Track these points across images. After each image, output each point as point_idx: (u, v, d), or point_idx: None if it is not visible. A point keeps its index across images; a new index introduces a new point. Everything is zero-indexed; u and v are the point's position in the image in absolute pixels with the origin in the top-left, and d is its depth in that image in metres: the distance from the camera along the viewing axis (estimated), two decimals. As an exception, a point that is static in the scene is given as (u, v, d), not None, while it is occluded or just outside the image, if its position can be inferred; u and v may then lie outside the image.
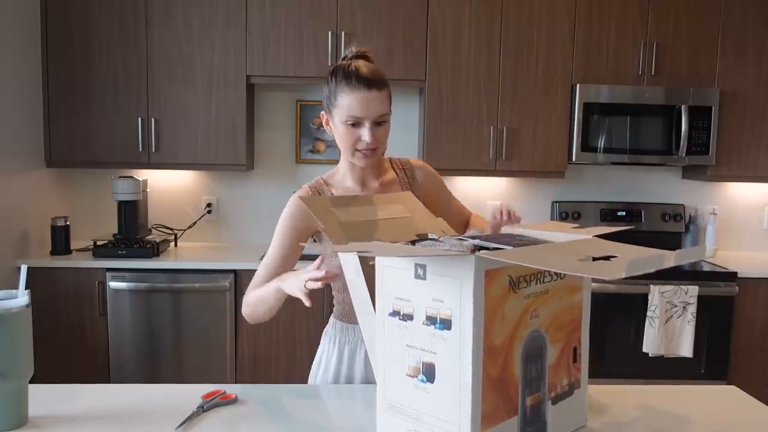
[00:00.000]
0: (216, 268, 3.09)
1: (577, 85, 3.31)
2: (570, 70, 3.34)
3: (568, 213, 3.62)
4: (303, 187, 1.55)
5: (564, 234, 1.23)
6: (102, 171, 3.54)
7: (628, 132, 3.32)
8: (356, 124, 1.43)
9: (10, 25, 3.01)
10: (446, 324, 1.01)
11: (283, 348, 3.13)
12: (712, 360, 3.18)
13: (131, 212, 3.26)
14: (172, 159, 3.30)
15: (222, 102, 3.28)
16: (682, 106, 3.29)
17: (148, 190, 3.47)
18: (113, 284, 3.05)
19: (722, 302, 3.15)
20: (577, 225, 1.30)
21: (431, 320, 1.03)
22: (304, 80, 3.32)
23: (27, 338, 1.19)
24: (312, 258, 1.59)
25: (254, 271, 3.25)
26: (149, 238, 3.31)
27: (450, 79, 3.32)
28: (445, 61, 3.31)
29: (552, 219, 3.68)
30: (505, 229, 1.36)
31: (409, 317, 1.07)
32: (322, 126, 1.53)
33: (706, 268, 3.25)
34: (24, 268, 1.20)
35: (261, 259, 3.21)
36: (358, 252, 1.01)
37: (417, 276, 1.04)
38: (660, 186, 3.75)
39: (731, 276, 3.15)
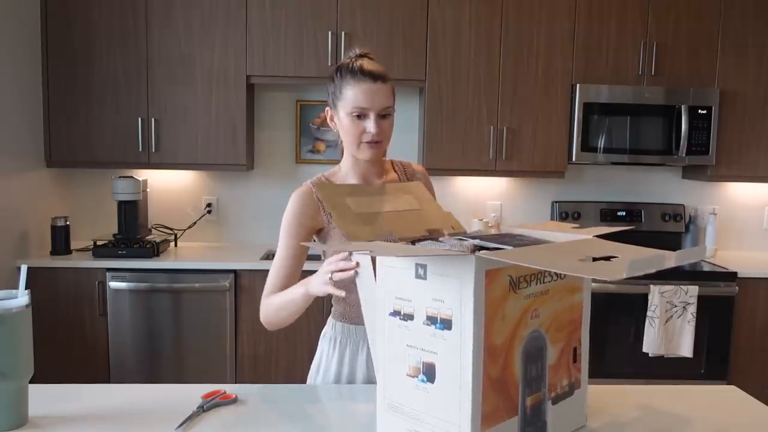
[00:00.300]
0: (216, 268, 3.09)
1: (577, 85, 3.31)
2: (570, 70, 3.34)
3: (568, 213, 3.62)
4: (305, 184, 1.54)
5: (564, 234, 1.23)
6: (102, 171, 3.54)
7: (628, 132, 3.32)
8: (361, 115, 1.45)
9: (10, 25, 3.01)
10: (447, 324, 1.01)
11: (283, 348, 3.13)
12: (712, 360, 3.18)
13: (131, 212, 3.26)
14: (172, 159, 3.30)
15: (222, 102, 3.28)
16: (682, 106, 3.30)
17: (148, 190, 3.47)
18: (113, 284, 3.05)
19: (722, 302, 3.15)
20: (577, 225, 1.30)
21: (432, 320, 1.03)
22: (304, 80, 3.32)
23: (27, 338, 1.18)
24: (314, 258, 1.60)
25: (254, 271, 3.27)
26: (149, 238, 3.30)
27: (450, 79, 3.32)
28: (445, 61, 3.31)
29: (552, 219, 3.68)
30: (506, 229, 1.36)
31: (409, 317, 1.07)
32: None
33: (706, 268, 3.25)
34: (24, 268, 1.20)
35: (261, 258, 3.23)
36: (358, 252, 1.01)
37: (418, 276, 1.04)
38: (660, 186, 3.75)
39: (731, 276, 3.15)
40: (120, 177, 3.26)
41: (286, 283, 1.48)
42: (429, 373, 1.04)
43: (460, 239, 1.16)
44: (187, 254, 3.31)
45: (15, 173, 3.07)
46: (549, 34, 3.32)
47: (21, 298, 1.17)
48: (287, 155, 3.65)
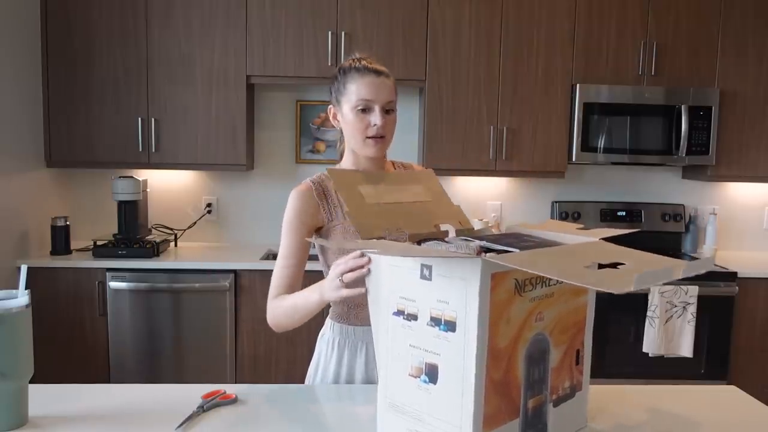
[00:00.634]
0: (216, 268, 3.09)
1: (577, 85, 3.31)
2: (570, 70, 3.34)
3: (568, 213, 3.62)
4: (304, 182, 1.53)
5: (570, 236, 1.22)
6: (102, 171, 3.54)
7: (628, 132, 3.32)
8: (366, 109, 1.45)
9: (10, 25, 3.00)
10: (451, 326, 1.01)
11: (283, 348, 3.13)
12: (712, 360, 3.18)
13: (131, 212, 3.25)
14: (172, 159, 3.30)
15: (222, 102, 3.28)
16: (682, 106, 3.30)
17: (148, 190, 3.47)
18: (113, 284, 3.05)
19: (722, 302, 3.15)
20: (581, 226, 1.29)
21: (436, 321, 1.03)
22: (304, 80, 3.32)
23: (27, 338, 1.18)
24: (314, 258, 1.60)
25: (254, 271, 3.27)
26: (149, 238, 3.30)
27: (450, 79, 3.32)
28: (445, 61, 3.31)
29: (552, 219, 3.67)
30: (511, 229, 1.35)
31: (413, 317, 1.06)
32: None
33: (706, 268, 3.24)
34: (24, 268, 1.20)
35: (261, 258, 3.23)
36: (364, 250, 1.01)
37: (423, 276, 1.04)
38: (660, 186, 3.75)
39: (731, 276, 3.15)
40: (120, 177, 3.26)
41: (291, 283, 1.48)
42: (431, 373, 1.04)
43: (466, 240, 1.16)
44: (187, 254, 3.31)
45: (15, 173, 3.07)
46: (549, 34, 3.32)
47: (21, 298, 1.16)
48: (287, 155, 3.65)
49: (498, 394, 1.02)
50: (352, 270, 1.17)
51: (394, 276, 1.09)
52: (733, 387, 1.50)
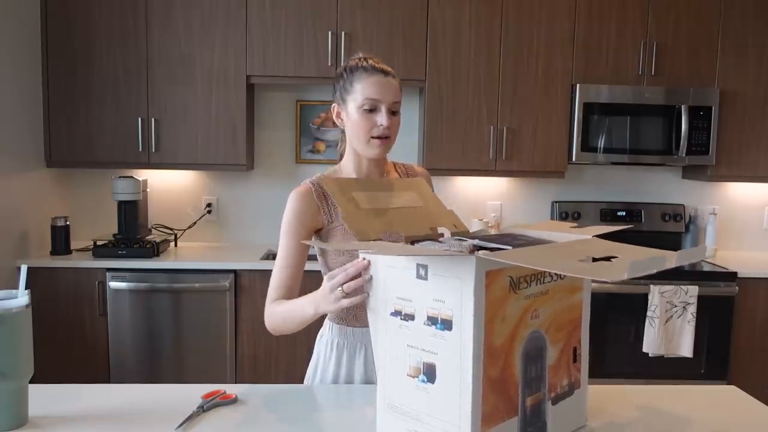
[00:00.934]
0: (216, 268, 3.09)
1: (577, 85, 3.31)
2: (570, 70, 3.34)
3: (568, 213, 3.62)
4: (304, 183, 1.51)
5: (563, 234, 1.23)
6: (102, 171, 3.54)
7: (628, 132, 3.32)
8: (372, 109, 1.45)
9: (10, 25, 3.01)
10: (447, 324, 1.01)
11: (283, 348, 3.13)
12: (712, 360, 3.18)
13: (131, 212, 3.25)
14: (172, 159, 3.30)
15: (222, 102, 3.28)
16: (682, 106, 3.30)
17: (148, 190, 3.47)
18: (113, 284, 3.05)
19: (722, 302, 3.15)
20: (575, 225, 1.30)
21: (432, 321, 1.03)
22: (304, 80, 3.32)
23: (27, 338, 1.19)
24: (314, 258, 1.59)
25: (254, 271, 3.27)
26: (149, 238, 3.30)
27: (450, 79, 3.32)
28: (445, 61, 3.31)
29: (552, 219, 3.67)
30: (505, 229, 1.36)
31: (410, 317, 1.07)
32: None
33: (706, 268, 3.25)
34: (24, 268, 1.20)
35: (261, 258, 3.23)
36: (360, 251, 1.01)
37: (419, 276, 1.04)
38: (660, 186, 3.75)
39: (731, 276, 3.15)
40: (120, 177, 3.26)
41: (290, 285, 1.47)
42: (429, 373, 1.04)
43: (460, 239, 1.16)
44: (187, 254, 3.31)
45: (15, 173, 3.07)
46: (549, 34, 3.32)
47: (21, 298, 1.17)
48: (287, 155, 3.65)
49: (496, 392, 1.02)
50: (353, 278, 1.15)
51: (391, 276, 1.09)
52: (733, 387, 1.50)
